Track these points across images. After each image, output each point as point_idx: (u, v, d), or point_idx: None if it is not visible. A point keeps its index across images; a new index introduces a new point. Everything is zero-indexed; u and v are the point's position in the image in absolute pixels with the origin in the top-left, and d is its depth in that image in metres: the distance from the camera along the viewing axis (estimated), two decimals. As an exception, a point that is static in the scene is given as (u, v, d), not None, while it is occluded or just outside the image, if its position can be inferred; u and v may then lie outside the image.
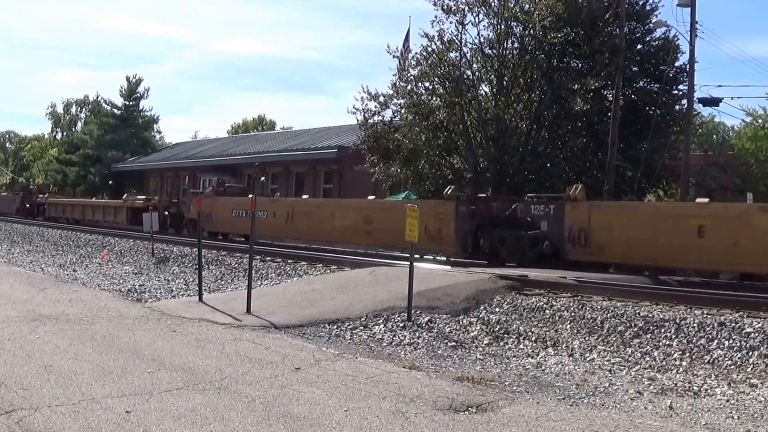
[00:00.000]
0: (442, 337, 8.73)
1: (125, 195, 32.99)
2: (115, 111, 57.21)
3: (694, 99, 22.86)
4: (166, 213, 27.85)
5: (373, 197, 21.37)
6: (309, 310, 9.78)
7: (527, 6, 22.01)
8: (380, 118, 24.32)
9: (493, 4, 22.26)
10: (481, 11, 22.45)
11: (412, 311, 9.42)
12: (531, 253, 15.13)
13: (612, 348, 8.20)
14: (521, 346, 8.48)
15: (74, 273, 15.58)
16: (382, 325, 9.07)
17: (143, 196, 31.77)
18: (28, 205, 40.03)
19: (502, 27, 22.17)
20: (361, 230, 18.62)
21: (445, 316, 9.57)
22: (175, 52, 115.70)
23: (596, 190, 21.16)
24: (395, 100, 24.15)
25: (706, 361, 7.47)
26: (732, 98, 31.64)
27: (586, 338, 8.57)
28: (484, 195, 17.96)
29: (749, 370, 7.11)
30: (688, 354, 7.67)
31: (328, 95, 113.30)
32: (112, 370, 6.31)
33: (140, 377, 6.08)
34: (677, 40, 23.46)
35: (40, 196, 40.42)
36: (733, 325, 7.97)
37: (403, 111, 23.96)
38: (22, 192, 43.44)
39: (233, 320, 9.07)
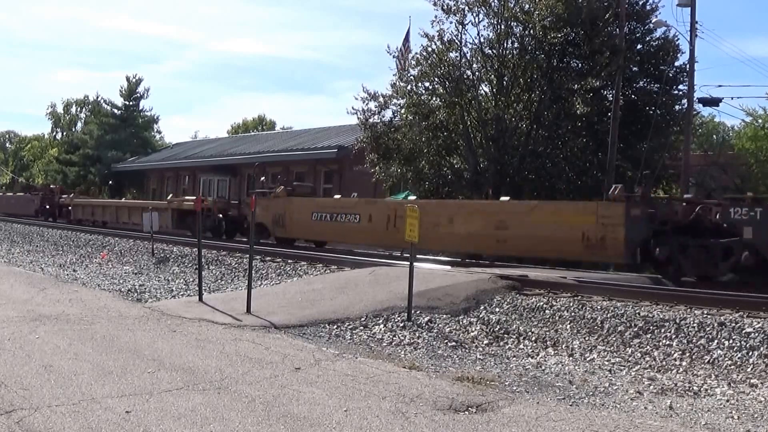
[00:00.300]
0: (442, 337, 8.73)
1: (170, 196, 29.40)
2: (115, 111, 57.28)
3: (694, 99, 22.90)
4: (220, 215, 24.59)
5: (507, 198, 17.87)
6: (309, 310, 9.78)
7: (527, 6, 22.03)
8: (380, 118, 24.35)
9: (493, 4, 22.29)
10: (481, 11, 22.48)
11: (412, 311, 9.42)
12: (724, 266, 12.90)
13: (612, 348, 8.20)
14: (521, 346, 8.49)
15: (74, 273, 15.58)
16: (382, 325, 9.07)
17: (193, 197, 27.55)
18: (48, 207, 36.92)
19: (502, 27, 22.18)
20: (491, 238, 15.90)
21: (445, 316, 9.57)
22: (175, 52, 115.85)
23: (596, 190, 21.15)
24: (395, 100, 24.18)
25: (706, 361, 7.48)
26: (732, 98, 31.75)
27: (586, 338, 8.58)
28: (667, 196, 15.19)
29: (749, 370, 7.11)
30: (688, 354, 7.68)
31: (328, 95, 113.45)
32: (112, 370, 6.31)
33: (140, 377, 6.08)
34: (677, 40, 23.52)
35: (64, 196, 36.89)
36: (733, 325, 7.98)
37: (403, 111, 23.97)
38: (42, 192, 39.94)
39: (233, 320, 9.07)
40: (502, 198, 17.91)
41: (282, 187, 22.22)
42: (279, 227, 21.21)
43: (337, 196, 21.99)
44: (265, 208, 21.56)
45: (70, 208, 35.08)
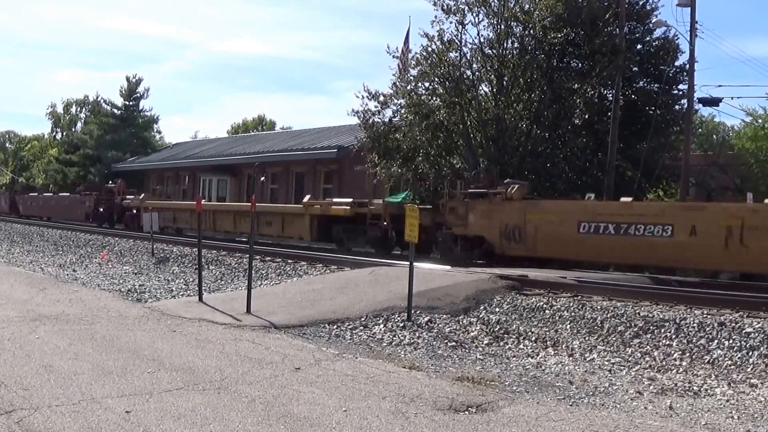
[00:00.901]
0: (442, 337, 8.73)
1: (307, 197, 22.19)
2: (115, 111, 57.28)
3: (694, 99, 22.90)
4: (385, 223, 19.06)
5: None
6: (309, 310, 9.78)
7: (527, 6, 22.04)
8: (380, 118, 24.32)
9: (493, 4, 22.27)
10: (481, 11, 22.46)
11: (412, 311, 9.42)
12: None
13: (612, 348, 8.20)
14: (521, 346, 8.49)
15: (74, 273, 15.59)
16: (382, 325, 9.08)
17: (346, 199, 21.07)
18: (104, 210, 30.98)
19: (502, 27, 22.18)
20: None
21: (445, 316, 9.57)
22: (175, 52, 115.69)
23: (596, 189, 21.14)
24: (395, 100, 24.16)
25: (706, 361, 7.48)
26: (732, 98, 31.62)
27: (586, 338, 8.58)
28: None
29: (749, 370, 7.11)
30: (688, 354, 7.68)
31: (328, 95, 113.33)
32: (112, 370, 6.31)
33: (140, 377, 6.08)
34: (677, 40, 23.54)
35: (129, 197, 30.16)
36: (733, 325, 7.98)
37: (403, 111, 23.95)
38: (96, 192, 32.71)
39: (233, 320, 9.07)
40: None
41: (516, 186, 16.34)
42: (512, 242, 15.47)
43: (626, 199, 15.32)
44: (484, 214, 16.10)
45: (135, 211, 28.92)
